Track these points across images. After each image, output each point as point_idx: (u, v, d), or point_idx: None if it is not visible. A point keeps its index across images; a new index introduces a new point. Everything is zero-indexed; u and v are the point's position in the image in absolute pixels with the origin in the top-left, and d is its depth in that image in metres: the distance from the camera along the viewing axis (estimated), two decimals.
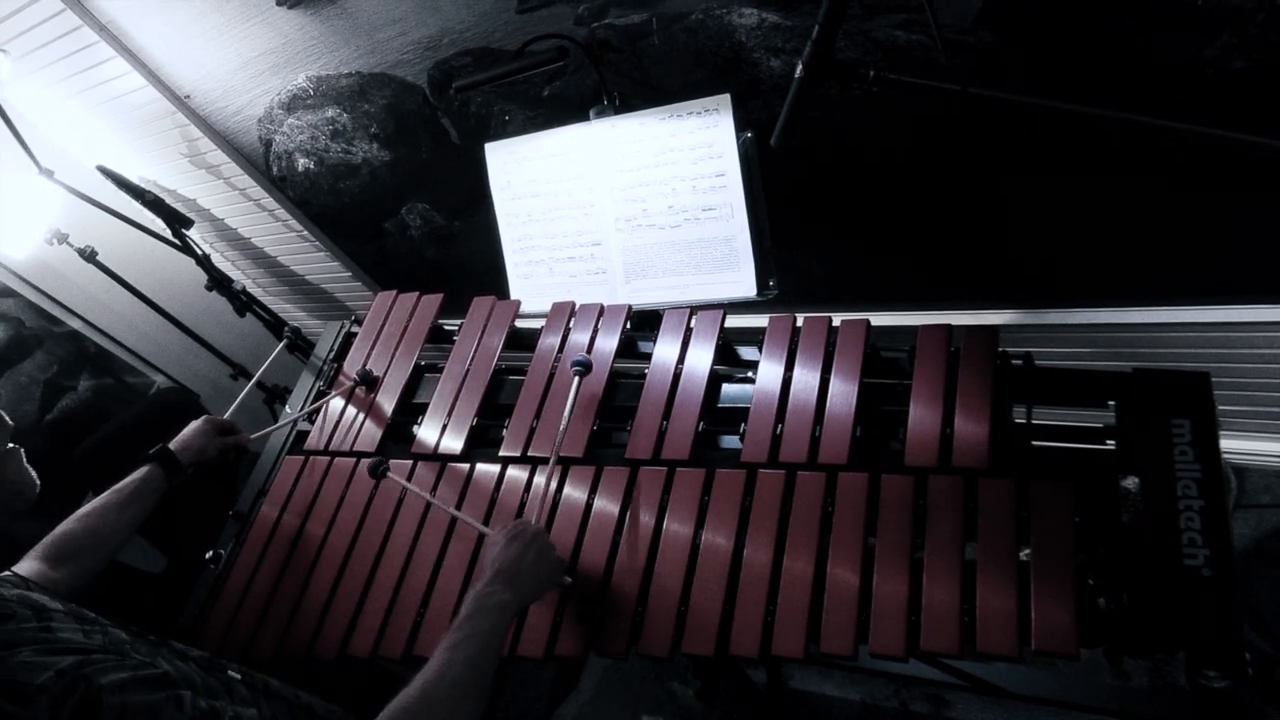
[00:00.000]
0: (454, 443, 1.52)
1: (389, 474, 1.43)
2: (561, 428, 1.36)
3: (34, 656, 0.81)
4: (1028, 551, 1.07)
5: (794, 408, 1.32)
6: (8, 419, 1.02)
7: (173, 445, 1.49)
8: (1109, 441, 1.18)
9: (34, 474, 1.02)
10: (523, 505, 1.39)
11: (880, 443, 1.27)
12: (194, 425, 1.55)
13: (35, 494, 1.02)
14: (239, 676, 1.09)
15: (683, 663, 2.06)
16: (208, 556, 1.56)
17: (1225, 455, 1.15)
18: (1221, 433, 1.11)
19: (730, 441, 1.36)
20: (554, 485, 1.37)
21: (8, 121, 2.13)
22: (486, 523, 1.39)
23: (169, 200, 2.32)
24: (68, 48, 2.25)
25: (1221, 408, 1.14)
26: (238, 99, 2.30)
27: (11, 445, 1.01)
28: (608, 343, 1.54)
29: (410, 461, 1.54)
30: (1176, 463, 1.09)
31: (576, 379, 1.40)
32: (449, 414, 1.57)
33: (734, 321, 1.51)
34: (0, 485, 0.99)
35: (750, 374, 1.40)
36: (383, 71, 2.01)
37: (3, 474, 1.00)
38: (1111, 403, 1.19)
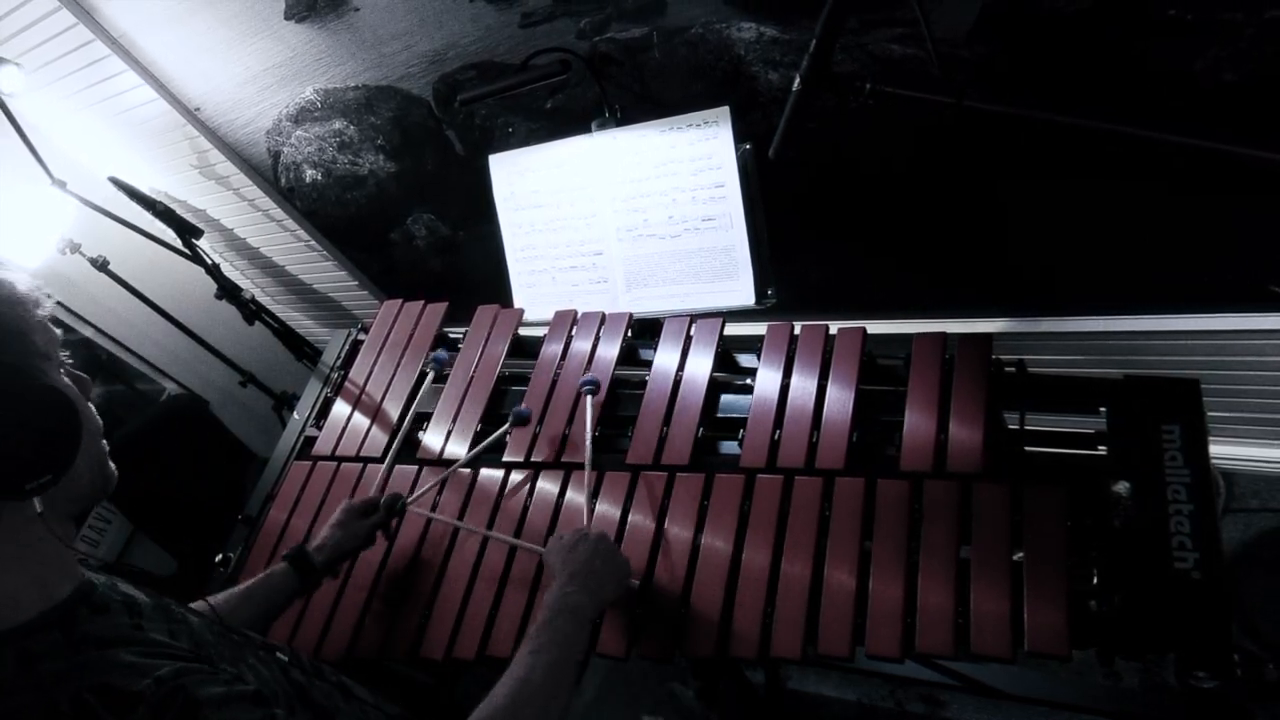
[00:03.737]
0: (458, 449, 1.55)
1: (410, 508, 1.44)
2: (588, 442, 1.40)
3: (133, 658, 0.74)
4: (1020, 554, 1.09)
5: (792, 414, 1.34)
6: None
7: (311, 543, 1.34)
8: (1100, 447, 1.19)
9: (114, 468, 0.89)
10: (525, 510, 1.41)
11: (876, 448, 1.28)
12: (333, 517, 1.39)
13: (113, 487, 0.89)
14: (326, 679, 1.02)
15: (683, 664, 2.07)
16: (217, 560, 1.58)
17: (1214, 460, 1.16)
18: (1210, 438, 1.13)
19: (729, 447, 1.38)
20: (588, 493, 1.38)
21: (21, 133, 2.16)
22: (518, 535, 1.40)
23: (179, 211, 2.34)
24: (80, 61, 2.29)
25: (1211, 414, 1.16)
26: (246, 111, 2.34)
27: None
28: (609, 350, 1.57)
29: (415, 467, 1.56)
30: (1167, 468, 1.10)
31: (588, 398, 1.44)
32: (453, 420, 1.59)
33: (733, 329, 1.53)
34: (95, 468, 0.87)
35: (749, 380, 1.43)
36: (389, 84, 2.04)
37: (101, 457, 0.88)
38: (1103, 409, 1.21)
